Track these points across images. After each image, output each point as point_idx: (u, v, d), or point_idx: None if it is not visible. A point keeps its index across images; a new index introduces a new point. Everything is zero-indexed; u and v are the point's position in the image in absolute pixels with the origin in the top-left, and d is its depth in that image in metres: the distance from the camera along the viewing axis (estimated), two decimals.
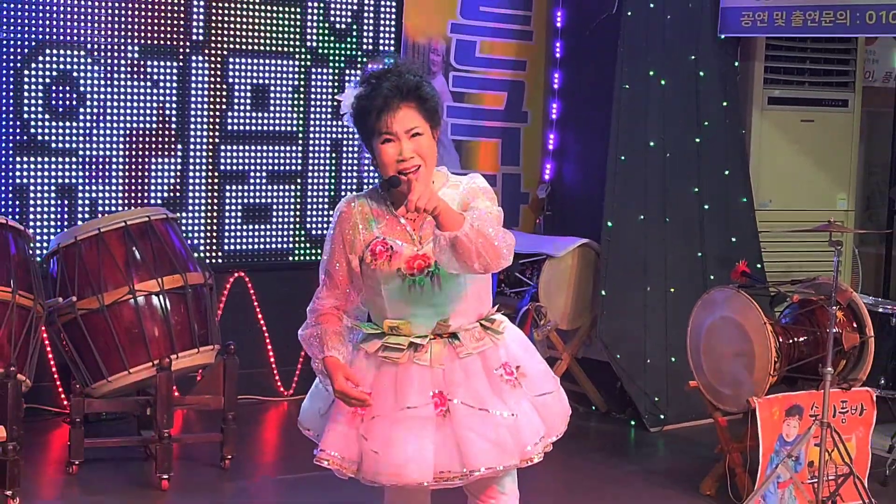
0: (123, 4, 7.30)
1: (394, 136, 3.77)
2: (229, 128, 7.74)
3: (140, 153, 7.46)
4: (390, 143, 3.78)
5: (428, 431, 3.80)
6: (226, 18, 7.63)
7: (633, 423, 7.73)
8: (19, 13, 7.04)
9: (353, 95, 3.86)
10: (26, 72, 7.09)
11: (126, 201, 7.42)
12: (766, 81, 8.46)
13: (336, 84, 8.01)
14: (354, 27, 8.04)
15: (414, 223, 3.88)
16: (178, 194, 7.59)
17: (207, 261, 7.50)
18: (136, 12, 7.35)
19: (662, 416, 7.64)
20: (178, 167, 7.59)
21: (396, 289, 3.86)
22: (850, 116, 8.74)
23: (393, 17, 8.16)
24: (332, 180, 8.09)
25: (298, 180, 7.99)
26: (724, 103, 8.04)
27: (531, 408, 3.93)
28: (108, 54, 7.31)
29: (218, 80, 7.66)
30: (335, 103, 7.97)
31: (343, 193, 8.08)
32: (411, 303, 3.86)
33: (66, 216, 7.24)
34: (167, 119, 7.52)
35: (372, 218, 3.91)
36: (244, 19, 7.69)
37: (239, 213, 7.81)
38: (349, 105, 3.86)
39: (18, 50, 7.06)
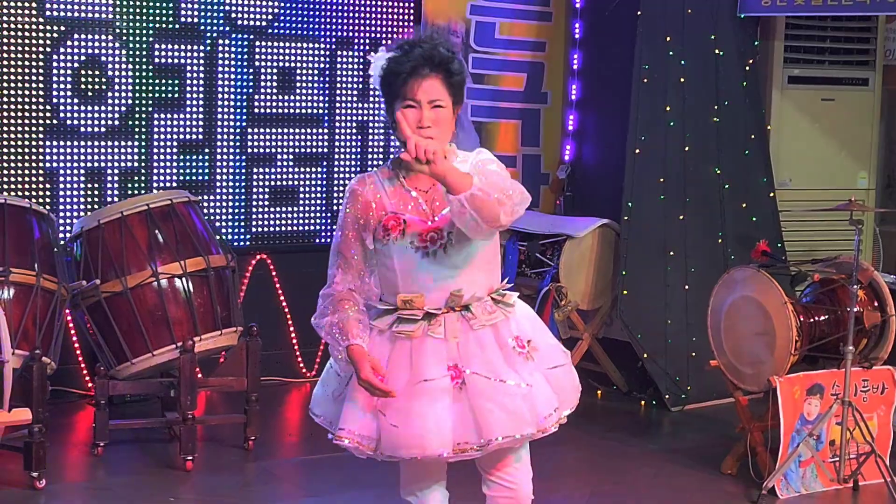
0: None
1: (416, 104, 3.80)
2: (256, 111, 7.77)
3: (168, 136, 7.50)
4: (412, 108, 3.80)
5: (445, 403, 3.82)
6: (253, 2, 7.68)
7: (654, 402, 7.74)
8: None
9: (384, 58, 3.88)
10: (55, 56, 7.13)
11: (155, 185, 7.46)
12: (786, 60, 8.45)
13: (361, 67, 8.03)
14: (376, 9, 8.06)
15: (426, 195, 3.91)
16: (206, 177, 7.64)
17: (234, 243, 7.54)
18: None
19: (683, 396, 7.65)
20: (206, 150, 7.63)
21: (409, 262, 3.87)
22: (870, 95, 8.72)
23: None
24: (358, 162, 8.12)
25: (325, 162, 8.03)
26: (744, 83, 8.02)
27: (543, 380, 3.95)
28: (136, 38, 7.34)
29: (245, 63, 7.69)
30: (362, 85, 8.03)
31: None
32: (424, 276, 3.87)
33: (95, 200, 7.28)
34: (195, 102, 7.56)
35: (384, 194, 3.91)
36: (271, 3, 7.73)
37: (266, 196, 7.85)
38: (379, 67, 3.88)
39: (47, 34, 7.09)
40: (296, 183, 7.95)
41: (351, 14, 8.00)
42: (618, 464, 6.64)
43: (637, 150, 7.68)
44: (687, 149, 7.80)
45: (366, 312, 3.96)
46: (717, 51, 7.90)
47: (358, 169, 8.10)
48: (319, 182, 8.02)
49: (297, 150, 7.93)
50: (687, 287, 7.72)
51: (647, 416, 7.65)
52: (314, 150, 8.00)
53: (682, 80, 7.78)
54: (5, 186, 7.01)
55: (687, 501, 6.10)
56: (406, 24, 8.18)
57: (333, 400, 4.05)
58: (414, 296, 3.88)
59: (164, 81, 7.48)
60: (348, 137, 8.09)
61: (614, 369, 8.01)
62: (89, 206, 7.25)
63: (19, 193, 6.98)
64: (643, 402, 7.82)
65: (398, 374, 3.86)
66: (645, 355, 7.65)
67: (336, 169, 8.07)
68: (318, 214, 8.05)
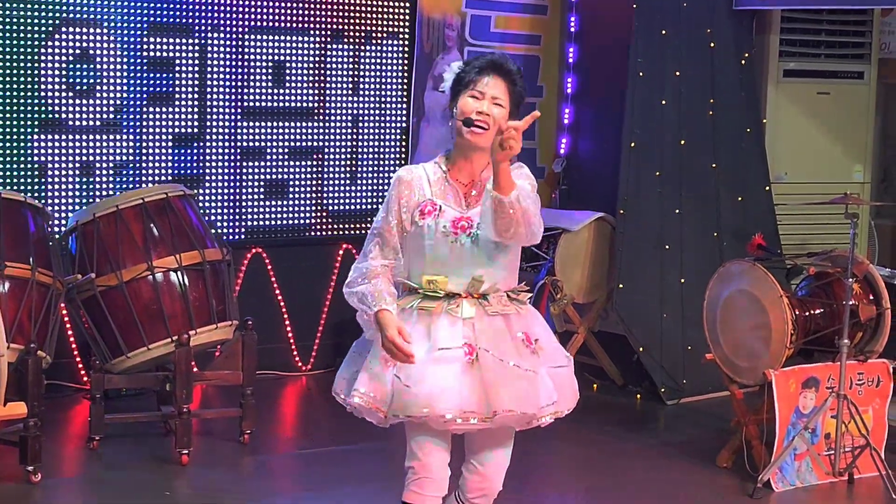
0: None
1: (481, 96, 4.16)
2: (248, 104, 7.76)
3: (159, 130, 7.48)
4: (475, 99, 4.16)
5: (457, 371, 4.06)
6: None
7: (649, 395, 7.75)
8: None
9: (459, 64, 4.29)
10: (45, 50, 7.11)
11: (146, 178, 7.45)
12: (781, 54, 8.45)
13: (353, 60, 8.02)
14: (371, 3, 8.05)
15: (465, 188, 4.22)
16: (197, 171, 7.62)
17: (227, 237, 7.53)
18: None
19: (679, 389, 7.66)
20: (198, 144, 7.62)
21: (439, 246, 4.16)
22: (865, 88, 8.73)
23: None
24: (350, 156, 8.11)
25: (316, 156, 8.02)
26: (740, 76, 8.02)
27: (546, 375, 4.19)
28: (127, 32, 7.33)
29: (236, 56, 7.68)
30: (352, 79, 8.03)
31: (361, 169, 8.12)
32: (451, 260, 4.16)
33: (85, 194, 7.27)
34: (186, 96, 7.55)
35: (427, 182, 4.23)
36: None
37: (258, 189, 7.84)
38: (454, 71, 4.25)
39: (38, 28, 7.07)
40: (287, 176, 7.94)
41: (343, 7, 7.98)
42: (613, 457, 6.65)
43: (633, 144, 7.68)
44: (683, 142, 7.80)
45: (395, 287, 4.23)
46: (712, 44, 7.89)
47: (350, 163, 8.10)
48: (311, 176, 8.00)
49: (288, 143, 7.92)
50: (682, 280, 7.73)
51: (642, 410, 7.65)
52: (306, 143, 7.98)
53: (677, 73, 7.78)
54: None
55: (682, 495, 6.11)
56: (401, 16, 8.17)
57: (355, 376, 4.24)
58: (438, 277, 4.16)
59: (155, 75, 7.45)
60: (340, 131, 8.08)
61: (610, 363, 8.01)
62: (80, 200, 7.23)
63: (10, 187, 6.96)
64: (639, 396, 7.82)
65: (416, 345, 4.08)
66: (640, 349, 7.65)
67: (327, 162, 8.05)
68: (310, 208, 8.03)
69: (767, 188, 8.11)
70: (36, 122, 7.13)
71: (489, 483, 4.34)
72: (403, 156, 8.20)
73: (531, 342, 4.18)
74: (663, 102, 7.74)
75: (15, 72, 7.04)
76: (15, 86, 7.05)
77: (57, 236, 6.57)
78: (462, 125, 4.14)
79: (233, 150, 7.74)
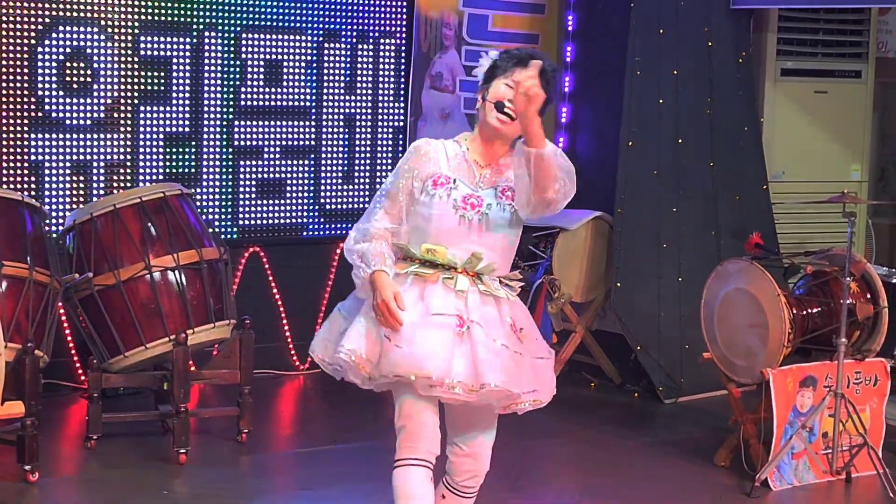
0: None
1: (514, 86, 4.16)
2: (243, 103, 7.75)
3: (154, 129, 7.48)
4: (508, 88, 4.21)
5: (448, 338, 4.10)
6: None
7: (647, 394, 7.75)
8: None
9: (496, 54, 4.37)
10: (40, 48, 7.10)
11: (141, 178, 7.44)
12: (779, 53, 8.45)
13: (348, 58, 8.02)
14: (367, 2, 8.05)
15: (480, 169, 4.29)
16: (192, 170, 7.62)
17: (222, 236, 7.52)
18: None
19: (676, 388, 7.66)
20: (193, 143, 7.61)
21: (446, 217, 4.21)
22: (863, 87, 8.73)
23: None
24: (346, 155, 8.11)
25: (312, 155, 8.01)
26: (737, 75, 8.03)
27: (529, 363, 4.25)
28: (122, 31, 7.32)
29: (231, 56, 7.67)
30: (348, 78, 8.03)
31: (356, 168, 8.12)
32: (454, 234, 4.21)
33: (81, 193, 7.27)
34: (181, 95, 7.54)
35: (444, 157, 4.30)
36: None
37: (253, 189, 7.84)
38: (490, 59, 4.34)
39: (32, 26, 7.07)
40: (283, 176, 7.94)
41: (339, 6, 7.98)
42: (611, 456, 6.64)
43: (630, 143, 7.68)
44: (680, 141, 7.80)
45: (393, 252, 4.27)
46: (710, 43, 7.90)
47: (346, 162, 8.10)
48: (307, 175, 8.00)
49: (284, 142, 7.92)
50: (680, 279, 7.73)
51: (640, 409, 7.65)
52: (301, 142, 7.98)
53: (675, 72, 7.78)
54: None
55: (680, 493, 6.11)
56: (398, 16, 8.16)
57: (339, 336, 4.27)
58: (438, 247, 4.22)
59: (150, 74, 7.44)
60: (335, 130, 8.07)
61: (607, 361, 8.01)
62: (75, 199, 7.23)
63: (4, 186, 6.94)
64: (636, 395, 7.83)
65: (408, 311, 4.12)
66: (638, 347, 7.66)
67: (323, 162, 8.05)
68: (306, 207, 8.03)
69: (765, 187, 8.12)
70: (30, 121, 7.12)
71: (478, 463, 4.36)
72: (400, 154, 8.19)
73: (517, 330, 4.23)
74: (661, 101, 7.74)
75: (9, 70, 7.02)
76: (9, 84, 7.03)
77: (53, 235, 6.57)
78: (494, 107, 4.21)
79: (228, 150, 7.73)
